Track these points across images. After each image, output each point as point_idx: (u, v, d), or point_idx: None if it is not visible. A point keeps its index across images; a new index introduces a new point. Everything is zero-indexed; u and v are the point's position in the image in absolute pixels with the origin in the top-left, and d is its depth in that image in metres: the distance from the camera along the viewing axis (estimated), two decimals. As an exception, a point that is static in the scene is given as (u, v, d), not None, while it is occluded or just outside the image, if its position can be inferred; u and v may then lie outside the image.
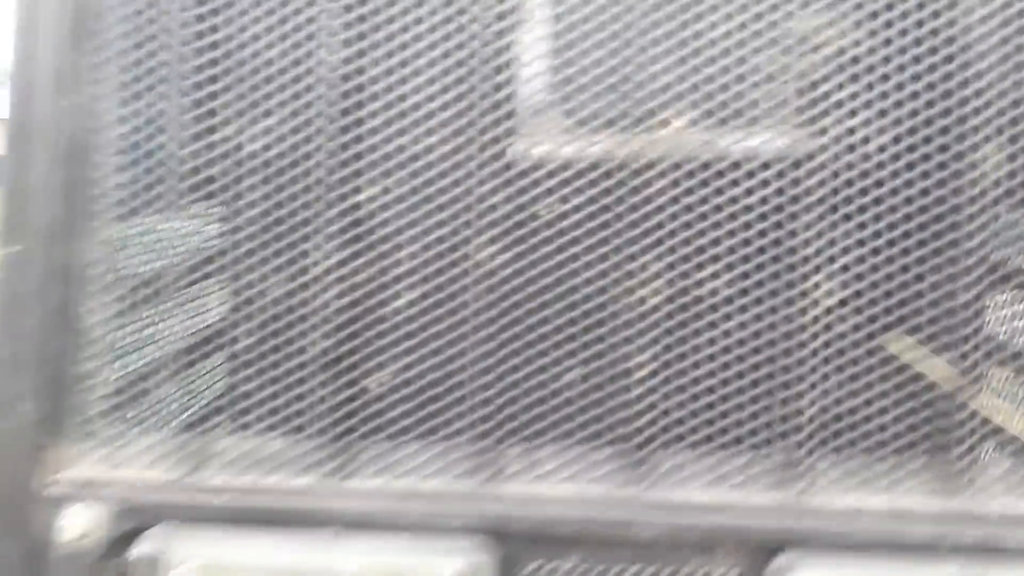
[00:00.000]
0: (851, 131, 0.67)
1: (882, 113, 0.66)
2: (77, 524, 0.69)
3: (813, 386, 0.65)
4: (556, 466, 0.68)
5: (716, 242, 0.67)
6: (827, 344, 0.65)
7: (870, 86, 0.66)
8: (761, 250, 0.66)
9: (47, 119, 0.69)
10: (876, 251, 0.65)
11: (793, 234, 0.65)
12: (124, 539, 0.69)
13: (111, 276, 0.70)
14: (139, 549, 0.67)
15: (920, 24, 0.65)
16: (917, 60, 0.65)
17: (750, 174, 0.67)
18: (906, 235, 0.65)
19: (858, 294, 0.66)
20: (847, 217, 0.66)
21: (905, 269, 0.65)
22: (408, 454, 0.69)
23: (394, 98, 0.69)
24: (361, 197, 0.69)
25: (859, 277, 0.65)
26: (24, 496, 0.69)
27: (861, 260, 0.65)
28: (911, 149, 0.65)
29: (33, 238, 0.69)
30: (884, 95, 0.66)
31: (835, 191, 0.66)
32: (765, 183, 0.66)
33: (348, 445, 0.69)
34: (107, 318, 0.70)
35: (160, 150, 0.70)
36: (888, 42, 0.66)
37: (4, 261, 0.69)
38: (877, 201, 0.66)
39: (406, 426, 0.69)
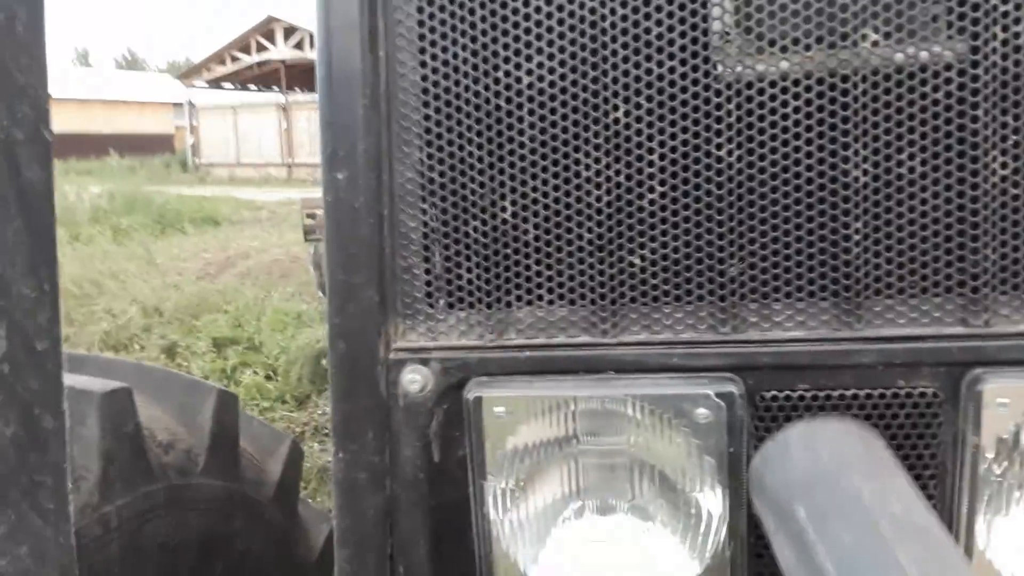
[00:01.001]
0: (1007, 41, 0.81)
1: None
2: (416, 381, 0.91)
3: (993, 238, 0.82)
4: (787, 315, 0.87)
5: (912, 130, 0.82)
6: (1003, 205, 0.82)
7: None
8: (948, 135, 0.82)
9: (363, 70, 0.87)
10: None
11: (973, 121, 0.81)
12: (451, 390, 0.91)
13: (422, 191, 0.90)
14: (469, 393, 0.89)
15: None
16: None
17: (935, 76, 0.82)
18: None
19: (1030, 163, 0.82)
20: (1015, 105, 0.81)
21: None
22: (666, 313, 0.88)
23: (629, 37, 0.85)
24: (618, 114, 0.86)
25: (1032, 150, 0.81)
26: (374, 362, 0.91)
27: (1035, 136, 0.81)
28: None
29: (357, 164, 0.89)
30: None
31: (1004, 85, 0.81)
32: (948, 82, 0.82)
33: (617, 309, 0.88)
34: (420, 222, 0.90)
35: (451, 92, 0.88)
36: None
37: (336, 184, 0.89)
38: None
39: (663, 292, 0.88)
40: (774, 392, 0.88)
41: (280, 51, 26.37)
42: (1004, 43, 0.80)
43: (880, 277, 0.85)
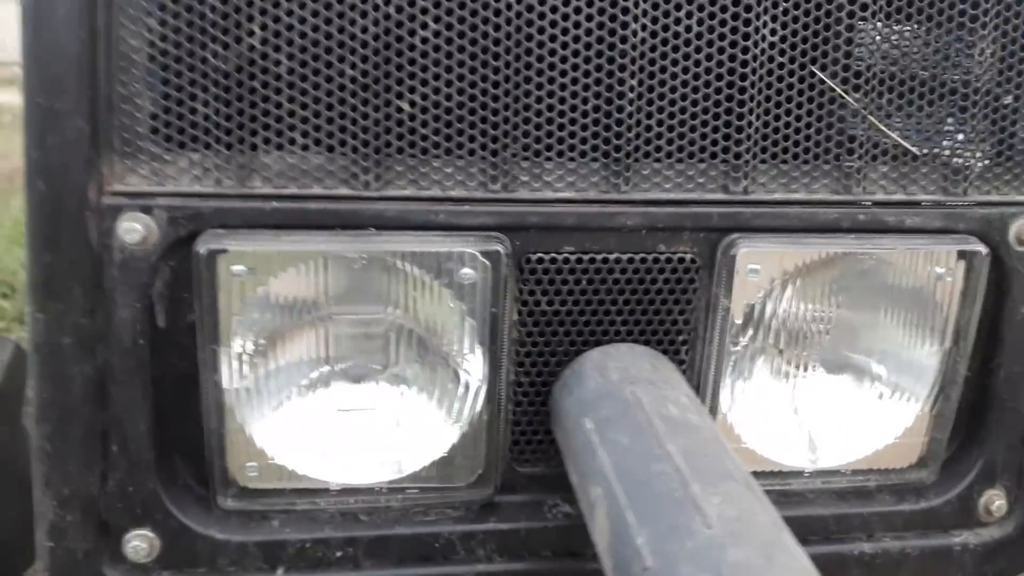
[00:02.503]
0: None
1: None
2: (135, 231, 0.77)
3: (758, 105, 0.83)
4: (557, 175, 0.83)
5: (691, -15, 0.80)
6: (769, 72, 0.83)
7: None
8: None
9: None
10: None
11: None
12: (180, 243, 0.79)
13: (149, 2, 0.74)
14: (202, 247, 0.77)
15: None
16: None
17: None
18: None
19: (793, 34, 0.82)
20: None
21: (828, 15, 0.82)
22: (435, 167, 0.81)
23: None
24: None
25: (795, 20, 0.82)
26: (83, 206, 0.76)
27: (797, 4, 0.81)
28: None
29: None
30: None
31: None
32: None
33: (381, 160, 0.80)
34: (145, 41, 0.75)
35: None
36: None
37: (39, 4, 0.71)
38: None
39: (432, 144, 0.81)
40: (540, 254, 0.84)
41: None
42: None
43: (650, 140, 0.83)
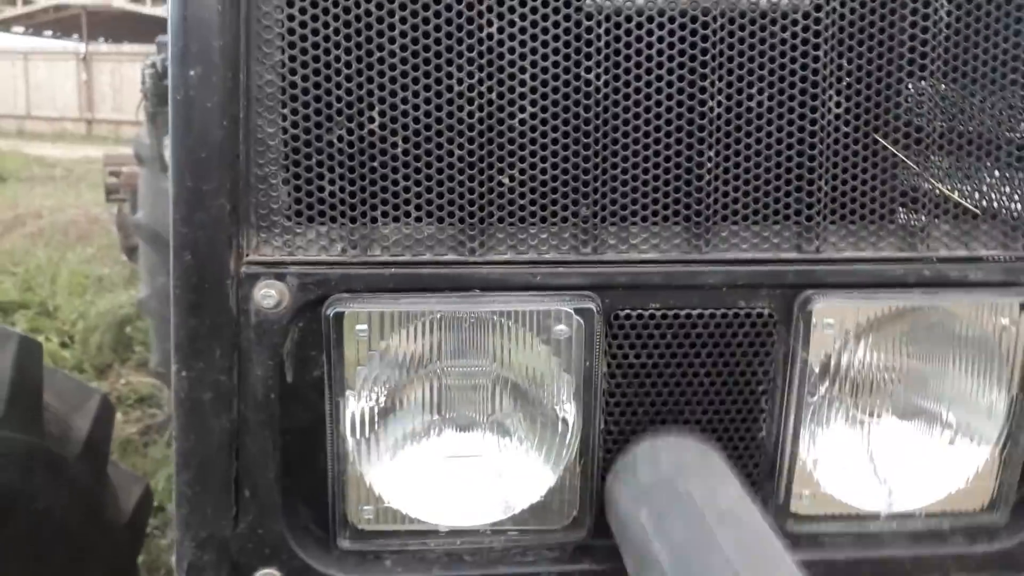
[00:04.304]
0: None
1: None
2: (270, 296, 0.87)
3: (827, 171, 0.90)
4: (643, 238, 0.91)
5: (762, 67, 0.88)
6: (836, 141, 0.90)
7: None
8: (793, 74, 0.89)
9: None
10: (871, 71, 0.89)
11: (815, 62, 0.88)
12: (309, 306, 0.88)
13: (283, 95, 0.85)
14: (329, 309, 0.86)
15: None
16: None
17: (784, 19, 0.88)
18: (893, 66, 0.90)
19: (856, 105, 0.90)
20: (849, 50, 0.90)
21: (888, 87, 0.90)
22: (531, 234, 0.90)
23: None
24: (492, 30, 0.86)
25: (857, 92, 0.90)
26: (224, 275, 0.85)
27: (859, 78, 0.89)
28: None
29: (212, 62, 0.82)
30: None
31: (842, 31, 0.88)
32: (795, 25, 0.88)
33: (485, 228, 0.89)
34: (279, 128, 0.85)
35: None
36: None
37: (187, 81, 0.82)
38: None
39: (529, 212, 0.89)
40: (628, 310, 0.91)
41: (80, -5, 24.04)
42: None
43: (728, 204, 0.91)
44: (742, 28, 0.88)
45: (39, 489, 1.77)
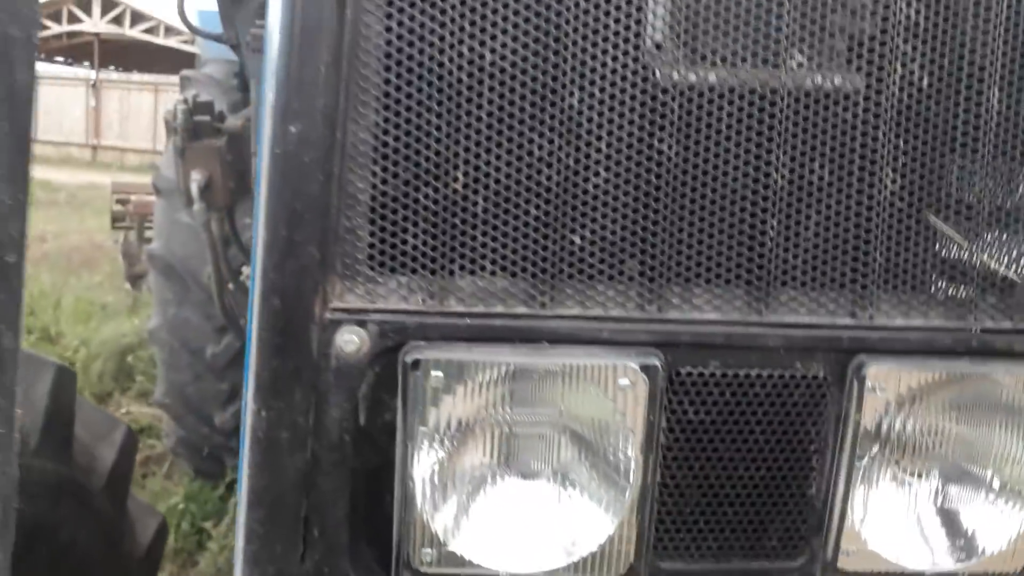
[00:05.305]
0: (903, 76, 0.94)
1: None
2: (352, 342, 0.90)
3: (881, 243, 0.95)
4: (706, 299, 0.95)
5: (823, 143, 0.94)
6: (891, 215, 0.95)
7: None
8: (852, 151, 0.94)
9: (329, 28, 0.86)
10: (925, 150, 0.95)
11: (873, 140, 0.94)
12: (387, 352, 0.91)
13: (375, 153, 0.90)
14: (407, 356, 0.90)
15: None
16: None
17: (845, 99, 0.94)
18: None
19: (911, 182, 0.96)
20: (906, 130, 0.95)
21: (941, 165, 0.96)
22: (599, 291, 0.94)
23: (588, 31, 0.91)
24: (572, 100, 0.91)
25: (912, 170, 0.95)
26: (308, 321, 0.89)
27: (914, 157, 0.95)
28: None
29: (313, 120, 0.87)
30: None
31: (900, 113, 0.94)
32: (855, 105, 0.94)
33: (555, 284, 0.93)
34: (369, 184, 0.90)
35: (414, 59, 0.89)
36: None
37: (287, 137, 0.87)
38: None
39: (598, 271, 0.94)
40: (689, 368, 0.95)
41: (95, 23, 24.37)
42: (901, 78, 0.93)
43: (787, 270, 0.95)
44: (806, 107, 0.93)
45: (64, 520, 1.78)
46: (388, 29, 0.89)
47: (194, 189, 2.24)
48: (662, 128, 0.92)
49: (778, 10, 0.92)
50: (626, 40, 0.91)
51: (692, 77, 0.92)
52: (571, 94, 0.91)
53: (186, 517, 3.35)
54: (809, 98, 0.93)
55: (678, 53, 0.92)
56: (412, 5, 0.89)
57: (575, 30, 0.90)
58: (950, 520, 1.00)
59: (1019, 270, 0.99)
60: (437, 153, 0.90)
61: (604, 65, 0.91)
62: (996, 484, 0.99)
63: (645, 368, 0.93)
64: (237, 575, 0.94)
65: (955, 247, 0.97)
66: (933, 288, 0.97)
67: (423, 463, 0.92)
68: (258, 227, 0.90)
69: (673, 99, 0.91)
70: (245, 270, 2.56)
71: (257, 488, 0.91)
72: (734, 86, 0.93)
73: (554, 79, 0.90)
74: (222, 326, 2.91)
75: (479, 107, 0.90)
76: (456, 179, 0.91)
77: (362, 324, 0.90)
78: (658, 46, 0.93)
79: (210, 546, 3.20)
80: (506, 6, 0.90)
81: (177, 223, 2.93)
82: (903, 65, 0.92)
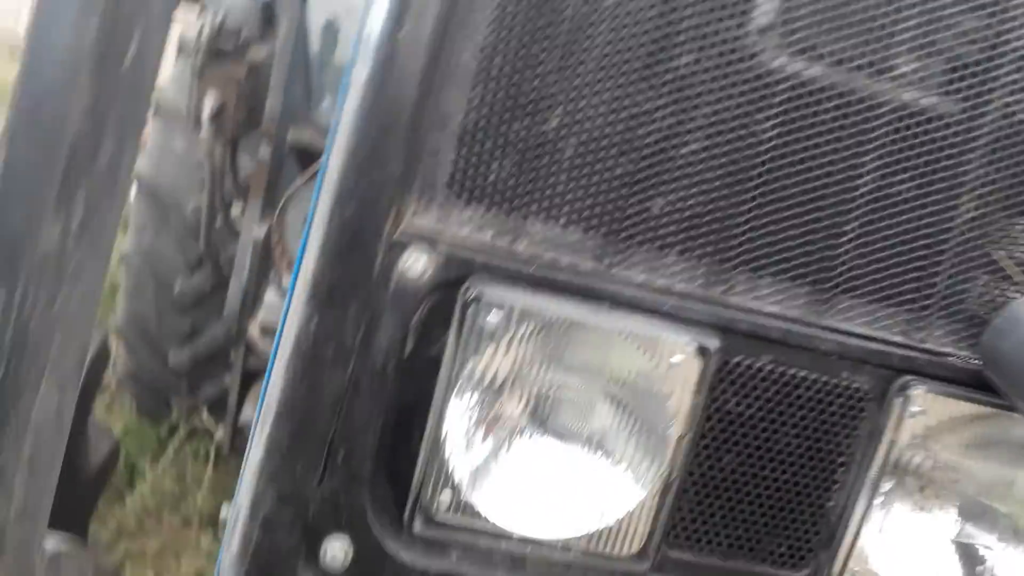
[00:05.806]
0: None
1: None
2: (417, 263, 0.87)
3: (949, 268, 0.96)
4: (771, 291, 0.94)
5: (914, 157, 0.94)
6: (963, 243, 0.96)
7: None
8: (939, 171, 0.94)
9: None
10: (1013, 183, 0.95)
11: (963, 165, 0.94)
12: (447, 284, 0.88)
13: (475, 78, 0.87)
14: (470, 290, 0.86)
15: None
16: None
17: (942, 117, 0.94)
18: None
19: (992, 212, 0.96)
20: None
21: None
22: (668, 262, 0.92)
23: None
24: (683, 60, 0.89)
25: (995, 203, 0.96)
26: (378, 235, 0.86)
27: (1000, 188, 0.95)
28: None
29: (420, 32, 0.84)
30: None
31: (996, 140, 0.95)
32: (948, 127, 0.94)
33: (628, 247, 0.91)
34: (462, 109, 0.87)
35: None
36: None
37: (395, 43, 0.84)
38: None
39: (671, 241, 0.92)
40: (741, 357, 0.94)
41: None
42: (1001, 108, 0.94)
43: (853, 278, 0.95)
44: (900, 119, 0.93)
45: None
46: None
47: (205, 113, 2.16)
48: (760, 111, 0.91)
49: (889, 17, 0.92)
50: (731, 16, 0.90)
51: (795, 66, 0.91)
52: (680, 55, 0.89)
53: (120, 452, 3.21)
54: (906, 111, 0.93)
55: (783, 40, 0.91)
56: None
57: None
58: (964, 557, 1.00)
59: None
60: (536, 89, 0.87)
61: (717, 33, 0.90)
62: (1011, 528, 1.00)
63: (700, 349, 0.91)
64: (246, 490, 0.89)
65: (1016, 286, 0.98)
66: (988, 323, 0.98)
67: (461, 405, 0.89)
68: (338, 134, 0.86)
69: (777, 83, 0.91)
70: (236, 207, 2.49)
71: (290, 400, 0.87)
72: (835, 83, 0.92)
73: (666, 36, 0.88)
74: (196, 262, 2.81)
75: (589, 49, 0.88)
76: (551, 119, 0.88)
77: (429, 249, 0.87)
78: (765, 28, 0.92)
79: (140, 487, 3.08)
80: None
81: (170, 150, 2.83)
82: (1007, 95, 0.93)
